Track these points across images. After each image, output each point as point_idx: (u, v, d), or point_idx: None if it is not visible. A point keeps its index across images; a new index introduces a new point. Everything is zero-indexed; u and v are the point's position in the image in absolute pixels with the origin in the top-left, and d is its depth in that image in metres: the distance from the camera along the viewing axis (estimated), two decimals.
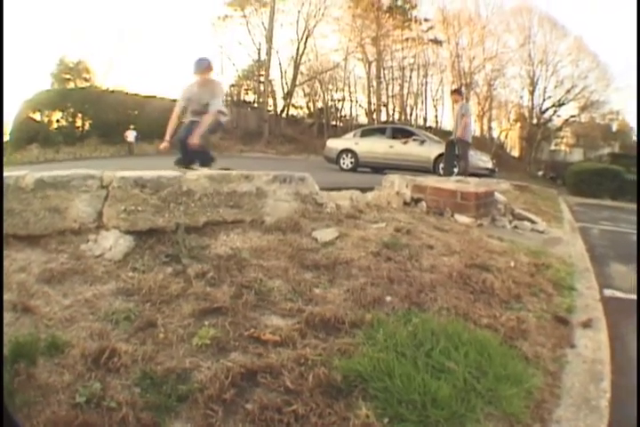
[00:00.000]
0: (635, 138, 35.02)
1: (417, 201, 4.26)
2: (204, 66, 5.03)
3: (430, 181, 4.79)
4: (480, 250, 2.98)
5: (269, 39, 28.69)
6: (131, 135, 21.35)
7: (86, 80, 26.92)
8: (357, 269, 2.25)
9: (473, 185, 5.25)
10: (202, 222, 2.50)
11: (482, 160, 12.28)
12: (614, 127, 35.49)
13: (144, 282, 1.90)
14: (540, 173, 28.23)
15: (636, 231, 6.22)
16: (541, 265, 2.94)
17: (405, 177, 4.56)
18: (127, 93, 24.83)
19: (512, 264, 2.79)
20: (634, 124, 34.00)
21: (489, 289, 2.27)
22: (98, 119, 22.53)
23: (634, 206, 10.34)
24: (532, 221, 4.60)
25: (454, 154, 9.59)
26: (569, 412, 1.53)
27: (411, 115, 33.09)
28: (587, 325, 2.21)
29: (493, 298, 2.20)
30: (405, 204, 4.20)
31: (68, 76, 26.40)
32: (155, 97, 24.30)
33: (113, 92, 24.51)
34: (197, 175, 2.60)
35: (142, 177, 2.39)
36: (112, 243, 2.18)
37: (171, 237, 2.31)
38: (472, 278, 2.34)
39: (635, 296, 3.23)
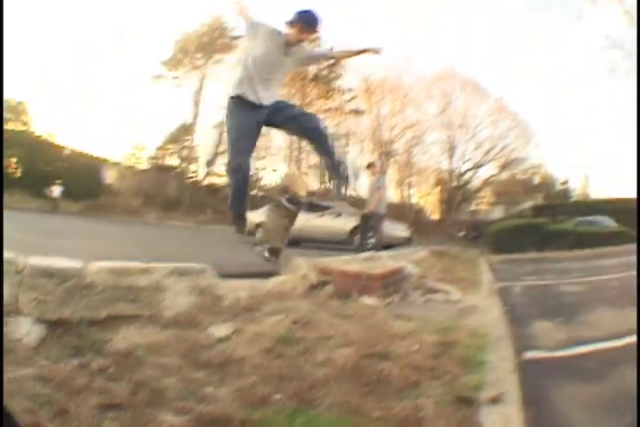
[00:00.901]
0: (558, 187, 38.65)
1: (324, 284, 4.36)
2: None
3: (337, 262, 4.98)
4: (381, 336, 3.05)
5: (197, 103, 29.84)
6: (56, 190, 21.60)
7: (24, 123, 26.62)
8: (249, 367, 2.31)
9: (382, 262, 5.45)
10: (103, 315, 2.61)
11: (397, 229, 12.98)
12: (536, 180, 38.89)
13: (56, 371, 2.01)
14: (462, 233, 29.79)
15: (562, 281, 6.70)
16: (448, 344, 3.01)
17: (311, 260, 4.71)
18: (59, 145, 24.97)
19: (415, 347, 2.84)
20: (557, 176, 37.76)
21: (385, 379, 2.32)
22: (29, 167, 22.36)
23: (560, 255, 11.19)
24: (446, 292, 4.85)
25: (369, 226, 10.13)
26: None
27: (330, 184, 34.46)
28: (496, 400, 2.22)
29: (389, 388, 2.25)
30: (312, 287, 4.28)
31: (8, 116, 26.03)
32: (87, 155, 24.45)
33: (45, 140, 24.57)
34: (99, 267, 2.71)
35: (51, 266, 2.56)
36: (28, 329, 2.33)
37: (77, 329, 2.44)
38: (367, 369, 2.40)
39: (561, 353, 3.49)
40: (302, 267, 4.52)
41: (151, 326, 2.63)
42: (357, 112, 35.35)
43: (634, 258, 10.68)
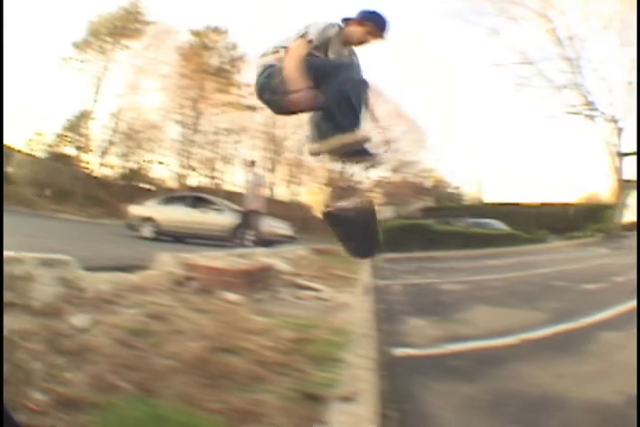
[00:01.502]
0: (449, 190, 40.83)
1: (189, 279, 4.44)
2: None
3: (204, 258, 5.01)
4: (236, 331, 3.12)
5: (97, 89, 29.36)
6: None
7: None
8: (102, 356, 2.45)
9: (253, 259, 5.47)
10: None
11: (279, 227, 13.14)
12: (428, 183, 40.71)
13: None
14: None
15: (445, 280, 7.01)
16: (305, 340, 3.06)
17: (178, 255, 4.72)
18: None
19: (267, 344, 2.88)
20: (449, 179, 39.79)
21: (230, 373, 2.42)
22: None
23: (446, 254, 11.81)
24: (317, 290, 4.90)
25: (248, 223, 10.22)
26: None
27: (220, 180, 34.83)
28: (347, 398, 2.23)
29: (232, 382, 2.33)
30: (177, 282, 4.35)
31: None
32: None
33: None
34: None
35: None
36: None
37: None
38: (213, 363, 2.51)
39: (433, 350, 3.62)
40: (169, 262, 4.61)
41: (24, 315, 2.77)
42: (252, 108, 35.28)
43: (524, 259, 11.60)
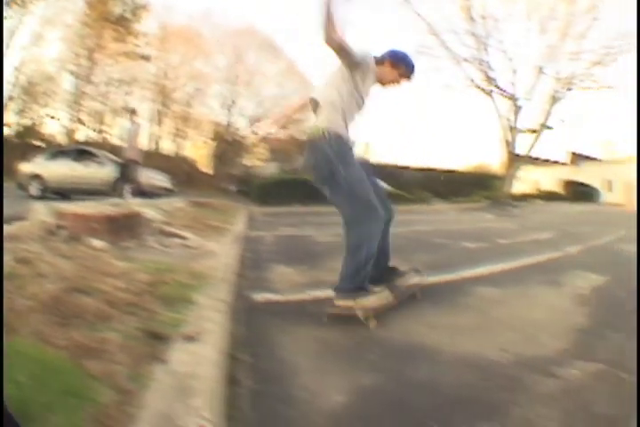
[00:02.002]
0: None
1: (60, 228, 4.53)
2: None
3: (73, 207, 5.11)
4: (94, 274, 3.19)
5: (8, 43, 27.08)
6: None
7: None
8: None
9: (125, 208, 5.41)
10: None
11: (158, 179, 12.89)
12: None
13: None
14: (233, 187, 30.32)
15: (319, 233, 7.14)
16: (159, 283, 3.12)
17: (51, 204, 4.93)
18: None
19: (121, 285, 2.93)
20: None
21: (80, 313, 2.50)
22: None
23: (322, 209, 12.02)
24: (184, 238, 4.91)
25: (126, 175, 9.95)
26: None
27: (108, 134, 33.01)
28: (190, 338, 2.28)
29: (81, 321, 2.41)
30: (49, 231, 4.47)
31: None
32: None
33: None
34: None
35: None
36: None
37: None
38: (65, 303, 2.59)
39: (295, 296, 3.65)
40: (42, 212, 4.79)
41: None
42: (146, 58, 33.68)
43: (404, 217, 11.86)
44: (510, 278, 4.50)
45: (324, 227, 8.76)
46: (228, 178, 32.53)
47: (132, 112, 10.96)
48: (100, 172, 13.07)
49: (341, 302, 3.07)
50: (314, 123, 3.24)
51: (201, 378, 1.94)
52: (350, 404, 2.02)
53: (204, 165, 37.13)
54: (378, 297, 3.11)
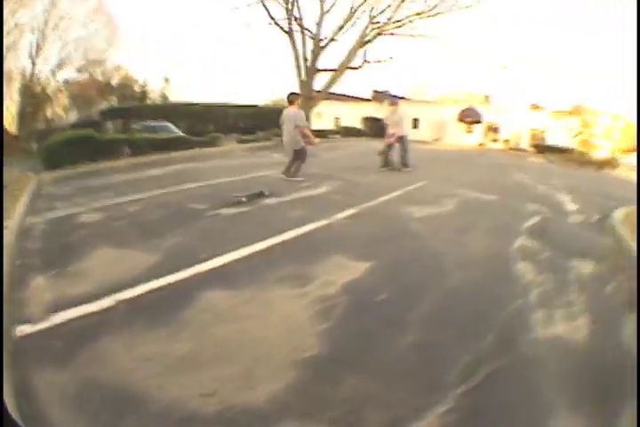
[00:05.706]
0: (137, 89, 39.47)
1: None
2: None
3: None
4: None
5: None
6: None
7: None
8: None
9: None
10: None
11: None
12: (114, 83, 38.78)
13: None
14: (34, 146, 26.98)
15: (87, 208, 6.56)
16: None
17: None
18: None
19: None
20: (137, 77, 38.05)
21: None
22: None
23: (113, 165, 11.69)
24: None
25: None
26: None
27: None
28: None
29: None
30: None
31: None
32: None
33: None
34: None
35: None
36: None
37: None
38: None
39: (43, 324, 3.01)
40: None
41: None
42: None
43: (180, 166, 11.58)
44: (251, 270, 4.06)
45: (100, 194, 7.75)
46: (36, 135, 29.39)
47: None
48: None
49: None
50: None
51: None
52: None
53: (9, 124, 33.82)
54: None
